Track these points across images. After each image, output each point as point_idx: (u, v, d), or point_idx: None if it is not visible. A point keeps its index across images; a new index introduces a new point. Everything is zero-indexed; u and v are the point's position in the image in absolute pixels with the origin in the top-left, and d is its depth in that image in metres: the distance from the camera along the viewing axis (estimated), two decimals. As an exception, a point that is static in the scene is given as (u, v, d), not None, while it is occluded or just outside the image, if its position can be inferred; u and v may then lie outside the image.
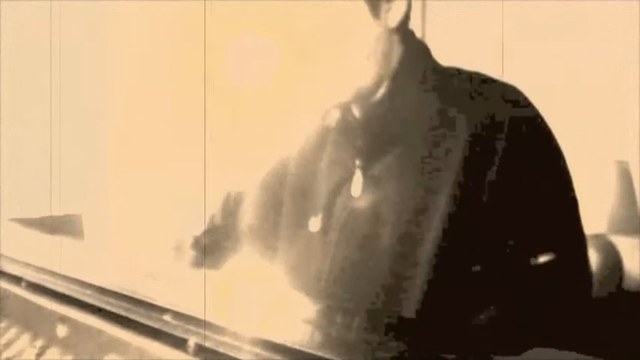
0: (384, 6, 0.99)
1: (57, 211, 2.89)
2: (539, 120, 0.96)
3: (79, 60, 3.28)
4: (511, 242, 0.91)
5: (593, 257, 1.82)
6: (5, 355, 0.94)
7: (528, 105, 0.97)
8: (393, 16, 0.99)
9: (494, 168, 0.91)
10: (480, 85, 0.99)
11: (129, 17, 3.37)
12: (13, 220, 1.55)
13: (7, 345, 0.95)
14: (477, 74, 1.01)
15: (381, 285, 0.95)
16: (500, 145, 0.92)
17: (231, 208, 1.24)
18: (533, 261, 0.90)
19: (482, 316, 0.89)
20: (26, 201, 2.96)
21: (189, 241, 1.24)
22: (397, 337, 0.68)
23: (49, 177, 3.19)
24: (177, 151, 3.21)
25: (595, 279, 1.87)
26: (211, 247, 1.21)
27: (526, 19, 2.59)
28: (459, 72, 1.02)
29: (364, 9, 0.98)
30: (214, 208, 1.27)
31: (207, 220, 1.26)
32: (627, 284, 1.81)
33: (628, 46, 2.35)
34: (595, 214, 2.10)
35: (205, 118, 2.83)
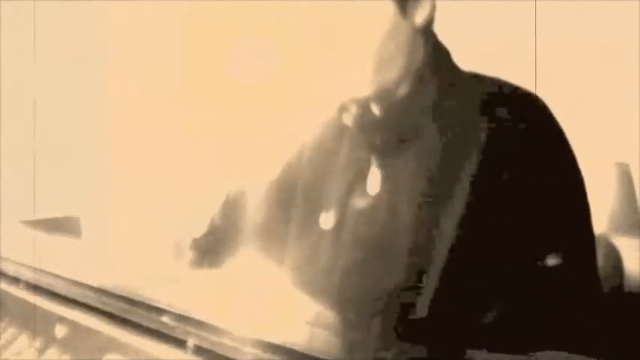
0: (410, 4, 0.99)
1: (57, 212, 2.89)
2: (554, 125, 0.97)
3: (79, 60, 3.28)
4: (521, 242, 0.91)
5: (594, 258, 1.81)
6: (4, 355, 0.93)
7: (544, 110, 0.98)
8: (421, 13, 1.00)
9: (508, 169, 0.92)
10: (499, 90, 1.00)
11: (129, 17, 3.38)
12: (13, 220, 1.55)
13: (6, 345, 0.95)
14: (497, 79, 1.02)
15: (395, 284, 0.95)
16: (514, 148, 0.93)
17: (231, 208, 1.24)
18: (540, 263, 0.90)
19: (487, 316, 0.90)
20: (26, 201, 2.96)
21: (189, 241, 1.24)
22: (408, 338, 0.68)
23: (49, 177, 3.19)
24: (178, 151, 3.21)
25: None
26: (211, 247, 1.21)
27: (526, 19, 2.59)
28: (477, 77, 1.03)
29: (377, 6, 0.98)
30: (214, 208, 1.26)
31: (207, 221, 1.26)
32: (627, 285, 1.81)
33: (628, 46, 2.35)
34: (595, 215, 2.10)
35: (202, 118, 2.83)
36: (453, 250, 0.92)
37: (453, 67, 1.04)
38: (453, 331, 0.86)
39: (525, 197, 0.92)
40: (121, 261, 1.17)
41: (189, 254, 1.23)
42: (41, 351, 0.89)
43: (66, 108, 3.27)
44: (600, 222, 2.09)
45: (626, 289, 1.82)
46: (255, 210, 1.17)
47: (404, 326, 0.88)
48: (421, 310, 0.92)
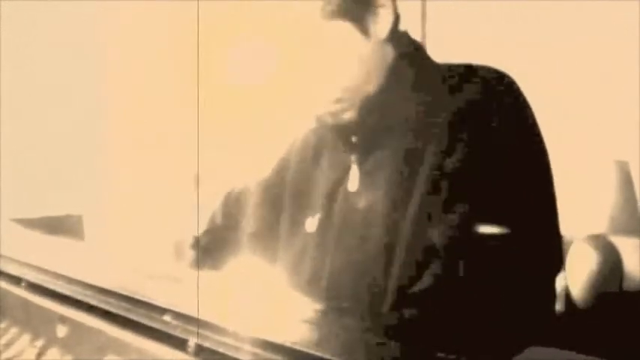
0: (370, 20, 1.01)
1: (57, 211, 2.89)
2: (516, 100, 0.98)
3: (80, 61, 3.28)
4: (468, 211, 0.91)
5: (594, 257, 1.82)
6: (5, 355, 0.94)
7: (509, 89, 0.98)
8: (382, 27, 1.02)
9: (464, 146, 0.93)
10: (466, 74, 1.00)
11: (129, 18, 3.38)
12: (13, 220, 1.55)
13: (8, 345, 0.95)
14: (467, 65, 1.03)
15: (379, 283, 0.95)
16: (472, 130, 0.94)
17: (231, 207, 1.24)
18: (485, 230, 0.90)
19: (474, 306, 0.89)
20: (26, 201, 2.96)
21: (189, 241, 1.24)
22: (396, 337, 0.68)
23: (49, 177, 3.19)
24: (178, 151, 3.21)
25: (595, 279, 1.87)
26: (211, 247, 1.21)
27: (526, 19, 2.59)
28: (449, 67, 1.04)
29: (339, 31, 1.00)
30: (214, 207, 1.27)
31: (207, 220, 1.26)
32: (627, 284, 1.81)
33: (628, 46, 2.35)
34: (595, 214, 2.10)
35: (201, 118, 2.83)
36: (417, 235, 0.92)
37: (425, 60, 1.06)
38: (441, 328, 0.86)
39: (489, 174, 0.92)
40: (122, 260, 1.17)
41: (189, 254, 1.23)
42: (42, 351, 0.89)
43: (67, 108, 3.27)
44: (600, 222, 2.09)
45: (626, 289, 1.82)
46: (249, 213, 1.18)
47: (391, 323, 0.89)
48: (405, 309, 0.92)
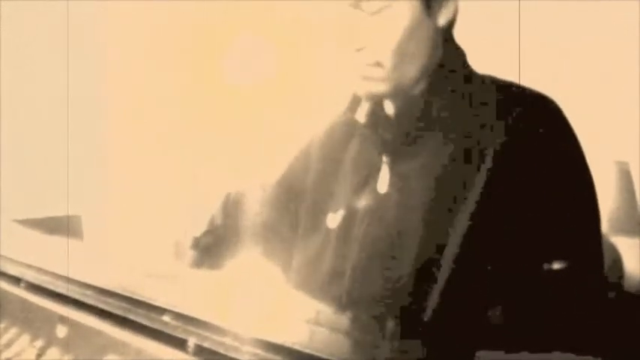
0: (435, 6, 1.00)
1: (57, 212, 2.89)
2: (568, 129, 0.98)
3: (79, 61, 3.28)
4: (529, 245, 0.91)
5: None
6: (5, 355, 0.94)
7: (557, 114, 0.99)
8: (444, 15, 1.01)
9: (520, 172, 0.93)
10: (513, 92, 1.00)
11: (130, 19, 3.37)
12: (13, 220, 1.55)
13: (7, 345, 0.95)
14: (512, 82, 1.02)
15: (403, 285, 0.95)
16: (527, 152, 0.93)
17: (231, 208, 1.24)
18: (546, 266, 0.90)
19: (494, 317, 0.90)
20: (26, 201, 2.96)
21: (189, 241, 1.24)
22: (416, 338, 0.68)
23: (48, 177, 3.19)
24: (178, 151, 3.21)
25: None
26: (211, 247, 1.21)
27: (526, 19, 2.59)
28: (492, 81, 1.03)
29: (402, 3, 0.98)
30: (214, 208, 1.26)
31: (207, 221, 1.26)
32: (627, 285, 1.81)
33: (628, 46, 2.35)
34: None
35: (201, 118, 2.83)
36: (461, 251, 0.92)
37: (469, 69, 1.04)
38: (460, 331, 0.86)
39: (536, 200, 0.93)
40: (122, 260, 1.17)
41: (189, 254, 1.23)
42: (42, 351, 0.89)
43: (66, 108, 3.27)
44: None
45: (626, 289, 1.82)
46: (256, 211, 1.17)
47: (412, 326, 0.88)
48: (429, 310, 0.92)
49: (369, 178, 1.04)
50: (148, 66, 3.34)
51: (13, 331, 0.97)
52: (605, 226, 2.18)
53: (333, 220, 1.05)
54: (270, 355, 0.62)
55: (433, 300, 0.92)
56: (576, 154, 0.98)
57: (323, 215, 1.06)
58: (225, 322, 0.68)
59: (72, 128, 3.29)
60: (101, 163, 3.40)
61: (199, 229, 1.24)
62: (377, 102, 1.02)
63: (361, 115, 1.04)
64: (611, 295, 1.79)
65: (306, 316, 0.74)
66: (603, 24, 2.43)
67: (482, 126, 0.96)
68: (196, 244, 1.22)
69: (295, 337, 0.64)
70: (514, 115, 0.96)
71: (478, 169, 0.94)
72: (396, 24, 0.98)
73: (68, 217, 2.71)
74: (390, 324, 0.82)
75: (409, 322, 0.90)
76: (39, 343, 0.91)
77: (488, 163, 0.94)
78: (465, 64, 1.04)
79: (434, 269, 0.93)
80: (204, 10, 2.78)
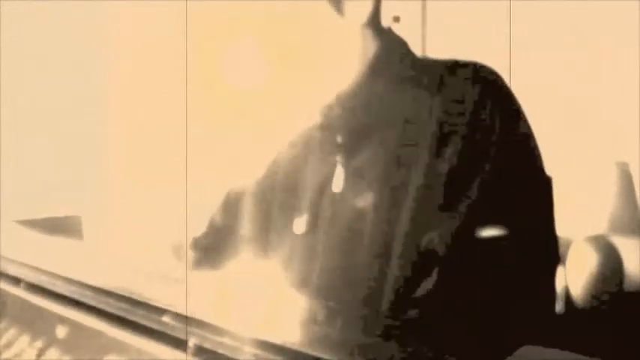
0: (347, 3, 1.00)
1: (56, 212, 2.89)
2: (508, 100, 0.97)
3: (79, 61, 3.28)
4: (469, 214, 0.91)
5: (594, 258, 1.82)
6: (5, 355, 0.93)
7: (496, 85, 0.98)
8: (360, 12, 1.01)
9: (458, 145, 0.93)
10: (451, 71, 1.00)
11: (129, 19, 3.38)
12: (13, 220, 1.55)
13: (7, 346, 0.95)
14: (452, 61, 1.02)
15: (372, 285, 0.95)
16: (464, 127, 0.94)
17: (231, 208, 1.24)
18: (484, 233, 0.90)
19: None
20: (26, 201, 2.96)
21: (189, 241, 1.24)
22: (396, 338, 0.68)
23: (48, 177, 3.19)
24: (177, 151, 3.21)
25: (596, 279, 1.87)
26: (211, 247, 1.21)
27: (526, 20, 2.59)
28: (434, 62, 1.04)
29: (316, 9, 1.00)
30: (214, 208, 1.26)
31: (207, 221, 1.26)
32: (628, 285, 1.81)
33: (628, 46, 2.35)
34: (595, 215, 2.10)
35: (201, 118, 2.83)
36: (411, 236, 0.92)
37: (409, 57, 1.05)
38: (440, 329, 0.86)
39: (479, 173, 0.92)
40: (122, 261, 1.17)
41: (189, 254, 1.23)
42: (42, 351, 0.89)
43: (66, 108, 3.27)
44: (600, 222, 2.09)
45: (626, 289, 1.82)
46: (243, 215, 1.18)
47: (390, 324, 0.89)
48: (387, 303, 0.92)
49: (327, 181, 1.05)
50: (148, 68, 3.34)
51: (12, 331, 0.97)
52: (605, 227, 2.18)
53: (299, 225, 1.06)
54: (270, 356, 0.62)
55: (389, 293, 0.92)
56: (518, 119, 0.97)
57: (290, 221, 1.08)
58: (225, 322, 0.68)
59: (72, 128, 3.29)
60: (101, 164, 3.40)
61: (199, 229, 1.24)
62: (328, 108, 1.04)
63: (315, 122, 1.06)
64: (608, 292, 1.79)
65: (306, 316, 0.74)
66: (603, 24, 2.43)
67: (422, 108, 0.97)
68: (196, 243, 1.22)
69: (295, 338, 0.64)
70: (455, 83, 0.97)
71: (420, 155, 0.94)
72: (314, 33, 1.01)
73: (67, 217, 2.71)
74: (374, 322, 0.82)
75: (385, 322, 0.91)
76: (38, 343, 0.91)
77: (429, 144, 0.94)
78: (405, 52, 1.05)
79: (386, 264, 0.93)
80: (205, 10, 2.78)
